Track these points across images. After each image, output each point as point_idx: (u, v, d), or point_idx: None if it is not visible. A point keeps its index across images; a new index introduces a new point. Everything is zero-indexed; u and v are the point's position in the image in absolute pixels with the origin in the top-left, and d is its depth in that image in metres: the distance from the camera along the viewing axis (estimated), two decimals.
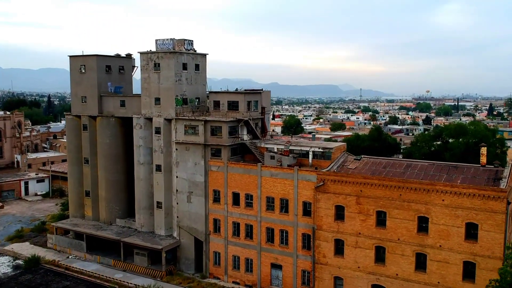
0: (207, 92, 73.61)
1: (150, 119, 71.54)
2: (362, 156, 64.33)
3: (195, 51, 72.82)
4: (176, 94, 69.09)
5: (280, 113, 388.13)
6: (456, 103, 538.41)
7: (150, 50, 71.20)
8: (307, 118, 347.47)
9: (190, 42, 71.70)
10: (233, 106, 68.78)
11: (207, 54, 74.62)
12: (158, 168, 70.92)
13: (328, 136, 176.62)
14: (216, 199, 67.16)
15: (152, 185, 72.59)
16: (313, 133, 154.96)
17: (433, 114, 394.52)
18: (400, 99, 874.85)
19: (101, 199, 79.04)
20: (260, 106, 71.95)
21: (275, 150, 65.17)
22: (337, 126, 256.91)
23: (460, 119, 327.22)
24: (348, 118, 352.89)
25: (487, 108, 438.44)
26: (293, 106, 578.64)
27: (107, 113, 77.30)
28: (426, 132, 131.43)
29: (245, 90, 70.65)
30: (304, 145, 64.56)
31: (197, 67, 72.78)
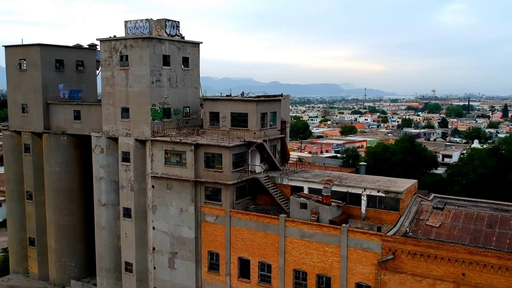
0: (201, 99, 49.79)
1: (116, 140, 47.86)
2: (445, 201, 40.57)
3: (183, 37, 49.11)
4: (153, 102, 45.41)
5: None
6: (467, 103, 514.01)
7: (115, 36, 47.44)
8: (312, 120, 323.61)
9: (175, 25, 47.93)
10: (240, 120, 45.08)
11: (201, 43, 50.90)
12: (127, 213, 47.23)
13: (341, 142, 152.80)
14: (213, 267, 43.40)
15: (119, 237, 48.88)
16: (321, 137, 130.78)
17: (443, 115, 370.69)
18: (403, 99, 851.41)
19: (50, 251, 55.19)
20: (279, 119, 48.29)
21: (306, 191, 41.54)
22: (348, 129, 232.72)
23: (476, 121, 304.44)
24: (356, 119, 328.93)
25: (500, 108, 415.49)
26: (296, 106, 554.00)
27: (56, 129, 53.42)
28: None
29: (257, 96, 46.68)
30: (353, 184, 40.67)
31: (185, 61, 49.05)
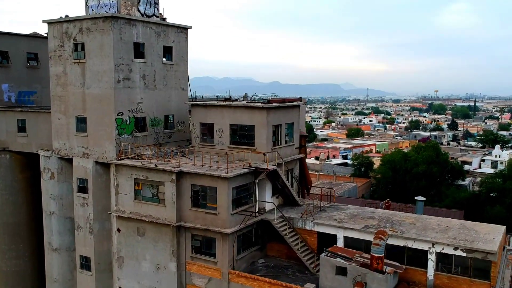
0: (189, 104, 36.06)
1: (70, 161, 34.25)
2: None
3: (164, 19, 35.52)
4: (120, 109, 31.77)
5: None
6: (473, 104, 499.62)
7: (66, 17, 33.79)
8: (315, 121, 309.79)
9: (152, 1, 34.28)
10: (243, 135, 31.49)
11: (189, 27, 37.26)
12: (85, 263, 33.61)
13: (349, 146, 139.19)
14: None
15: None
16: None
17: (449, 116, 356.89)
18: (405, 99, 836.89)
19: None
20: (297, 133, 34.66)
21: (341, 242, 27.92)
22: (354, 131, 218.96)
23: (486, 122, 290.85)
24: (360, 121, 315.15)
25: (507, 109, 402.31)
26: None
27: None
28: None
29: (267, 100, 32.79)
30: (414, 235, 26.80)
31: (168, 52, 35.44)
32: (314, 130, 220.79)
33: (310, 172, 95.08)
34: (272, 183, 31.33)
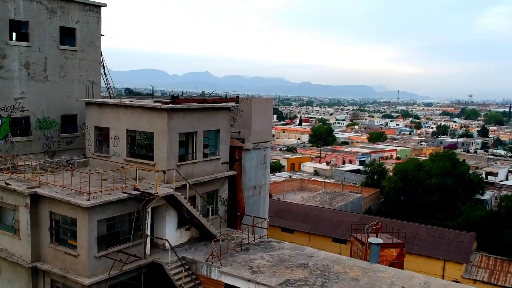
0: (84, 102, 28.00)
1: None
2: None
3: None
4: None
5: (309, 116, 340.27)
6: (508, 110, 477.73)
7: None
8: (339, 123, 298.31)
9: None
10: (142, 145, 23.51)
11: (104, 5, 29.26)
12: None
13: (367, 150, 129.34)
14: None
15: None
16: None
17: (481, 122, 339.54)
18: (438, 103, 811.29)
19: None
20: (226, 143, 26.37)
21: None
22: (376, 135, 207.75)
23: None
24: (386, 124, 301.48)
25: None
26: (325, 107, 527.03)
27: None
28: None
29: (176, 96, 24.46)
30: None
31: (69, 35, 27.69)
32: (335, 132, 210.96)
33: (318, 179, 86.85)
34: (178, 211, 23.18)
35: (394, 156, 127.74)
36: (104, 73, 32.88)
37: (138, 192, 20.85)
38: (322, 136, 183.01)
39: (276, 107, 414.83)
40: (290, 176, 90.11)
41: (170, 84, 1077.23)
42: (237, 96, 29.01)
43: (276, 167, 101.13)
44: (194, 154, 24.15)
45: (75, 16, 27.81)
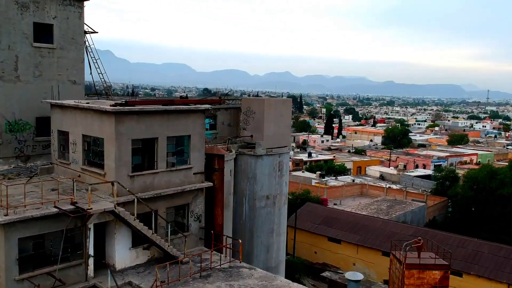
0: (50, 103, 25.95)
1: None
2: None
3: None
4: None
5: (387, 117, 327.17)
6: None
7: None
8: (419, 124, 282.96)
9: None
10: (95, 152, 20.99)
11: None
12: None
13: (444, 154, 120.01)
14: None
15: None
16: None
17: None
18: None
19: None
20: (201, 151, 23.09)
21: None
22: (457, 138, 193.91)
23: None
24: (471, 126, 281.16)
25: None
26: (406, 107, 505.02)
27: None
28: None
29: (128, 99, 21.58)
30: None
31: (45, 31, 25.80)
32: (411, 134, 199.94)
33: (382, 184, 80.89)
34: (132, 228, 20.35)
35: (474, 161, 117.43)
36: (100, 72, 31.13)
37: (72, 207, 18.23)
38: (396, 137, 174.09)
39: (353, 107, 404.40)
40: (354, 180, 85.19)
41: (251, 84, 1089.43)
42: (220, 97, 25.63)
43: (340, 170, 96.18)
44: (155, 163, 21.21)
45: (52, 12, 25.88)
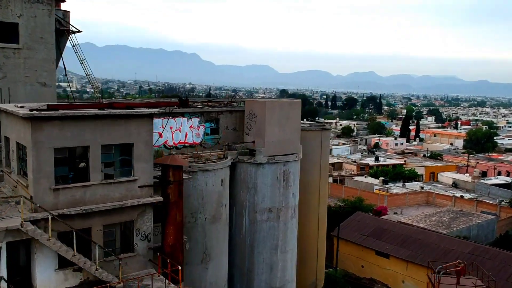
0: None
1: None
2: None
3: None
4: None
5: (474, 119, 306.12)
6: None
7: None
8: (510, 127, 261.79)
9: None
10: (24, 162, 19.01)
11: None
12: None
13: None
14: None
15: None
16: None
17: None
18: None
19: None
20: (148, 160, 20.39)
21: None
22: None
23: None
24: None
25: None
26: (499, 108, 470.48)
27: None
28: None
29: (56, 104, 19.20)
30: None
31: (10, 31, 24.49)
32: (496, 138, 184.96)
33: (452, 192, 73.98)
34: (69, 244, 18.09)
35: None
36: (88, 74, 29.56)
37: None
38: (480, 141, 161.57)
39: (438, 107, 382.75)
40: (422, 188, 79.02)
41: (333, 85, 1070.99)
42: (184, 97, 22.74)
43: (409, 176, 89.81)
44: (88, 175, 18.80)
45: (17, 10, 24.43)
